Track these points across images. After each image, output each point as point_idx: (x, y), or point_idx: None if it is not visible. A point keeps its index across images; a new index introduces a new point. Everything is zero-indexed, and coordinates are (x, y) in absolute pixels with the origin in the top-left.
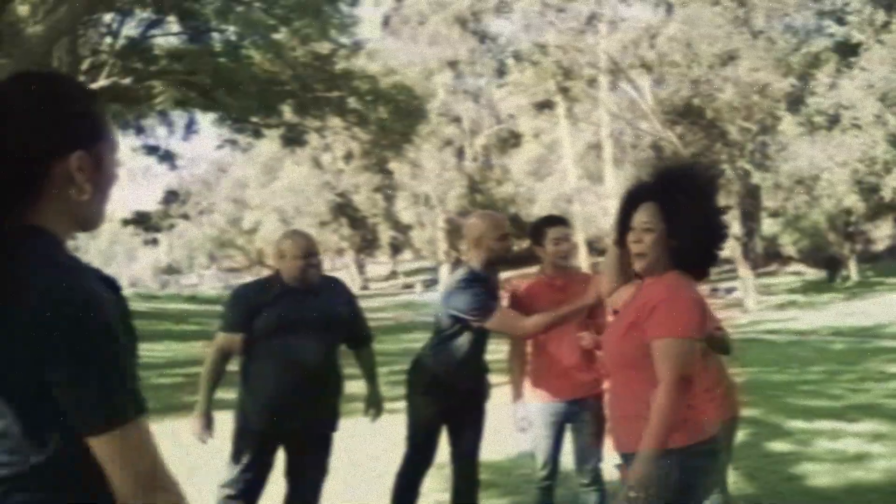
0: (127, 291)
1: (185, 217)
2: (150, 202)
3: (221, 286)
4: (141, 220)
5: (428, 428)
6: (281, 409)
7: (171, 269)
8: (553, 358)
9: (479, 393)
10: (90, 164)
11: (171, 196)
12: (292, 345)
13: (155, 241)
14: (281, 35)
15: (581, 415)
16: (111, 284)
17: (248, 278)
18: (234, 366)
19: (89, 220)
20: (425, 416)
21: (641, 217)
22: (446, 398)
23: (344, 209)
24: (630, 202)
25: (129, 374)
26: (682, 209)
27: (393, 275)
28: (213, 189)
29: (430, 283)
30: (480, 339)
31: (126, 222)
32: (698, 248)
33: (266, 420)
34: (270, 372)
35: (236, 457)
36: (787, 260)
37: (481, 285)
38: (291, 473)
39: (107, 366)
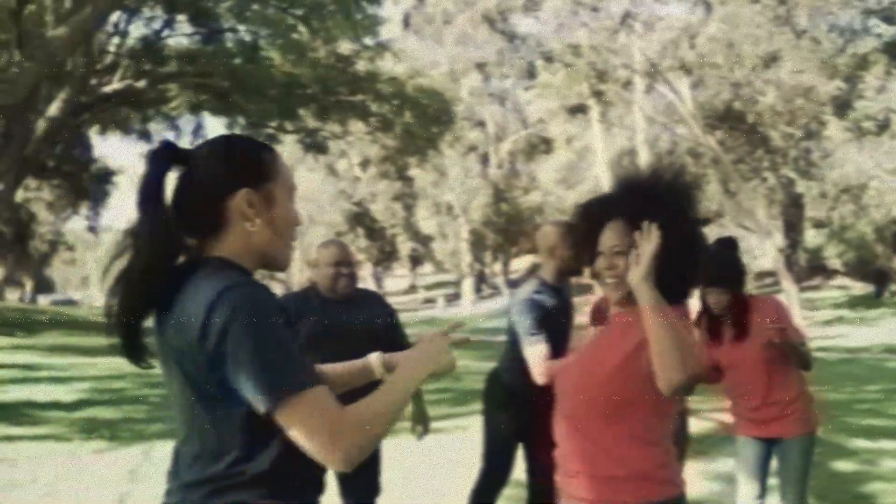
0: None
1: None
2: None
3: None
4: None
5: (504, 444)
6: None
7: None
8: None
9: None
10: (260, 201)
11: None
12: (333, 358)
13: None
14: (301, 35)
15: None
16: None
17: None
18: None
19: (272, 258)
20: (501, 431)
21: (610, 239)
22: (523, 413)
23: (361, 219)
24: (594, 221)
25: (289, 354)
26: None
27: (412, 289)
28: None
29: (453, 298)
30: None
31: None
32: (678, 267)
33: None
34: None
35: None
36: (831, 273)
37: (550, 298)
38: (344, 493)
39: (266, 348)
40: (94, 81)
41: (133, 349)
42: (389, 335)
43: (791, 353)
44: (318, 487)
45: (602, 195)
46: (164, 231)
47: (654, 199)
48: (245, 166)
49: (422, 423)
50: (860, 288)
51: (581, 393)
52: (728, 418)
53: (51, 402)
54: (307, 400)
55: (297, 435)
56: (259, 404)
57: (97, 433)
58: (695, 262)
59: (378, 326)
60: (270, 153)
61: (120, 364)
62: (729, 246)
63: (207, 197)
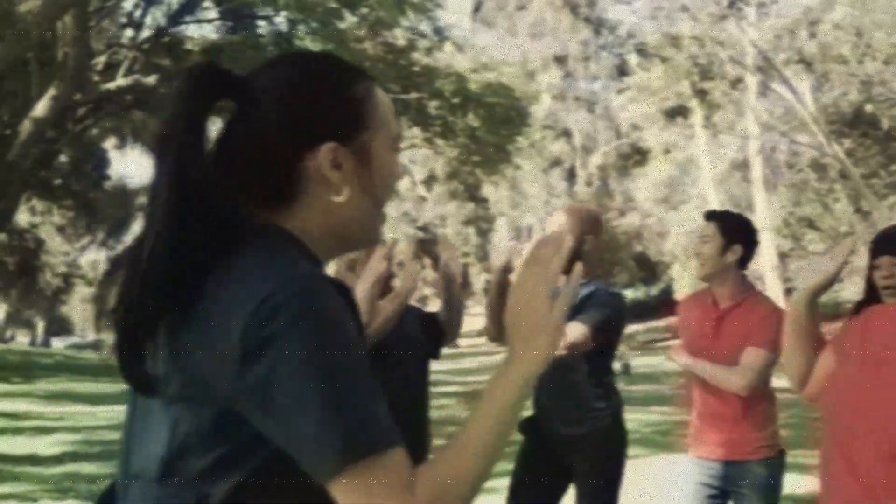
0: None
1: None
2: None
3: None
4: None
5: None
6: None
7: None
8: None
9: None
10: (350, 160)
11: None
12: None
13: None
14: (346, 22)
15: (744, 482)
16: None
17: None
18: None
19: (359, 237)
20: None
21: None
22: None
23: (427, 247)
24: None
25: (366, 395)
26: None
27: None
28: None
29: None
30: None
31: None
32: None
33: None
34: None
35: None
36: None
37: None
38: None
39: (334, 384)
40: (95, 78)
41: (139, 372)
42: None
43: None
44: None
45: None
46: (201, 194)
47: None
48: (331, 109)
49: None
50: None
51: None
52: None
53: (28, 455)
54: (380, 466)
55: None
56: (311, 467)
57: (72, 492)
58: None
59: (417, 335)
60: (365, 83)
61: (120, 413)
62: None
63: (272, 154)
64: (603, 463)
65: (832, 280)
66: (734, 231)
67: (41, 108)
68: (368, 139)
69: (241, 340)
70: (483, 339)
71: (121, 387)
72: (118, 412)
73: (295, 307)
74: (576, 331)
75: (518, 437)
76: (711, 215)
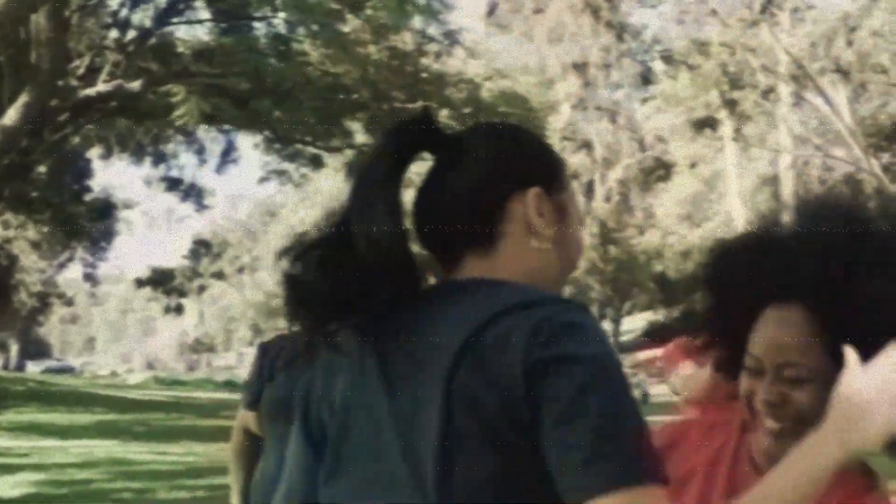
0: (141, 375)
1: (220, 276)
2: (173, 256)
3: None
4: (160, 280)
5: None
6: None
7: (201, 346)
8: None
9: None
10: (551, 209)
11: (201, 247)
12: None
13: (179, 309)
14: (349, 26)
15: None
16: None
17: None
18: None
19: (548, 281)
20: None
21: (774, 339)
22: None
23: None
24: (740, 302)
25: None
26: (859, 299)
27: None
28: (258, 239)
29: None
30: None
31: (140, 283)
32: None
33: None
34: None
35: None
36: None
37: None
38: None
39: (610, 410)
40: (73, 82)
41: None
42: None
43: None
44: None
45: (765, 236)
46: (398, 240)
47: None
48: (538, 158)
49: None
50: None
51: None
52: None
53: None
54: (645, 495)
55: None
56: (579, 481)
57: None
58: None
59: None
60: (559, 156)
61: (93, 448)
62: None
63: (483, 193)
64: None
65: None
66: None
67: (11, 115)
68: (566, 200)
69: (525, 355)
70: None
71: (94, 418)
72: (90, 447)
73: (577, 326)
74: None
75: None
76: None
